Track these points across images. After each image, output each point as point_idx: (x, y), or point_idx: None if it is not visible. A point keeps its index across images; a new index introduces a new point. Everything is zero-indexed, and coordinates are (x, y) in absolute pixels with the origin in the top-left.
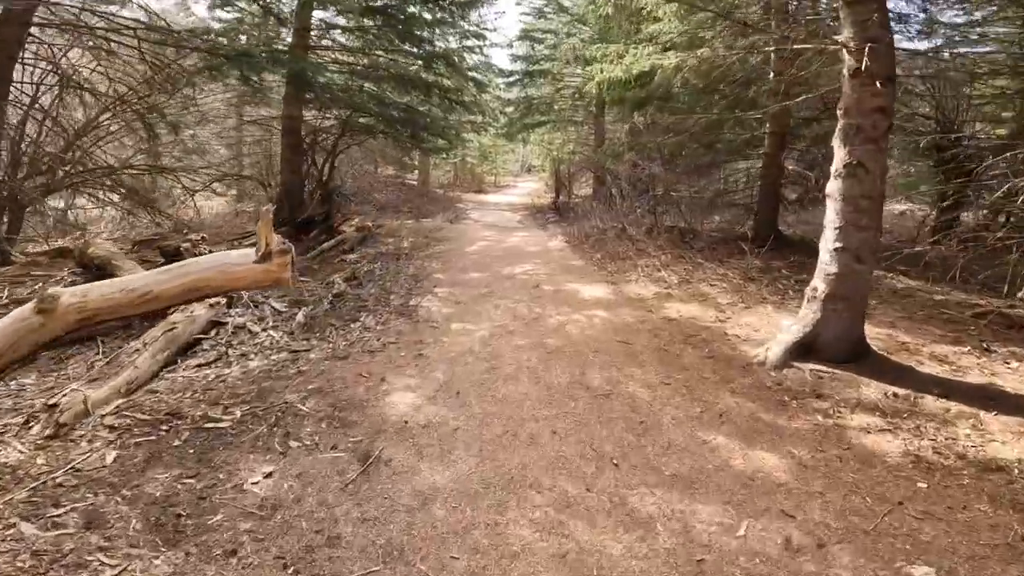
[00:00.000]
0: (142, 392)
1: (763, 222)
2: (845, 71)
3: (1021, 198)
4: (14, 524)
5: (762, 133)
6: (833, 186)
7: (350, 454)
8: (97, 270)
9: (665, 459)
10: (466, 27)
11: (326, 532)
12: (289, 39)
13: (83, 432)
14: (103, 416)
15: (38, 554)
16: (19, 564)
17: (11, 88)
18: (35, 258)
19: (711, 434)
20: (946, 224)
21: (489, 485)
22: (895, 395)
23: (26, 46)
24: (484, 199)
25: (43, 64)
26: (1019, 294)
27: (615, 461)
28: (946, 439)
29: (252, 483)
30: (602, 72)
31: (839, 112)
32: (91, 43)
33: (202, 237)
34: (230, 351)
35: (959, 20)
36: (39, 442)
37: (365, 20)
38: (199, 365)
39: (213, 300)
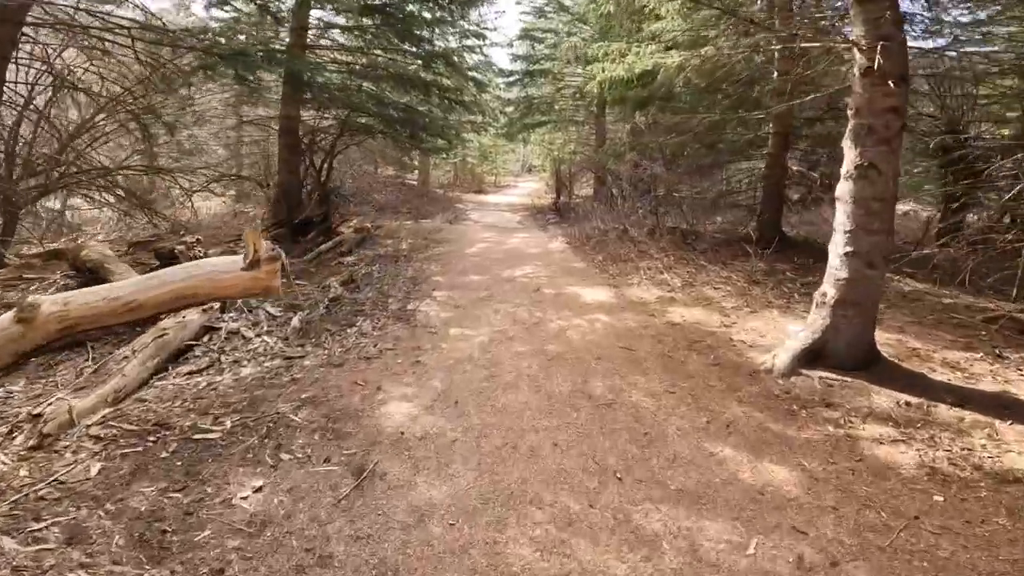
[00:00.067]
0: (130, 401)
1: (767, 223)
2: (856, 70)
3: None
4: None
5: (765, 133)
6: (843, 188)
7: (344, 467)
8: (90, 273)
9: (671, 472)
10: (466, 26)
11: (317, 551)
12: (287, 39)
13: (68, 443)
14: (88, 426)
15: (18, 570)
16: None
17: (4, 88)
18: (29, 260)
19: (718, 446)
20: (954, 226)
21: (488, 501)
22: (907, 404)
23: (20, 46)
24: (484, 199)
25: (37, 64)
26: None
27: (619, 475)
28: (962, 450)
29: (241, 498)
30: (604, 71)
31: (849, 112)
32: (86, 43)
33: (197, 239)
34: (223, 357)
35: (965, 19)
36: (22, 453)
37: (364, 19)
38: (190, 372)
39: (206, 305)
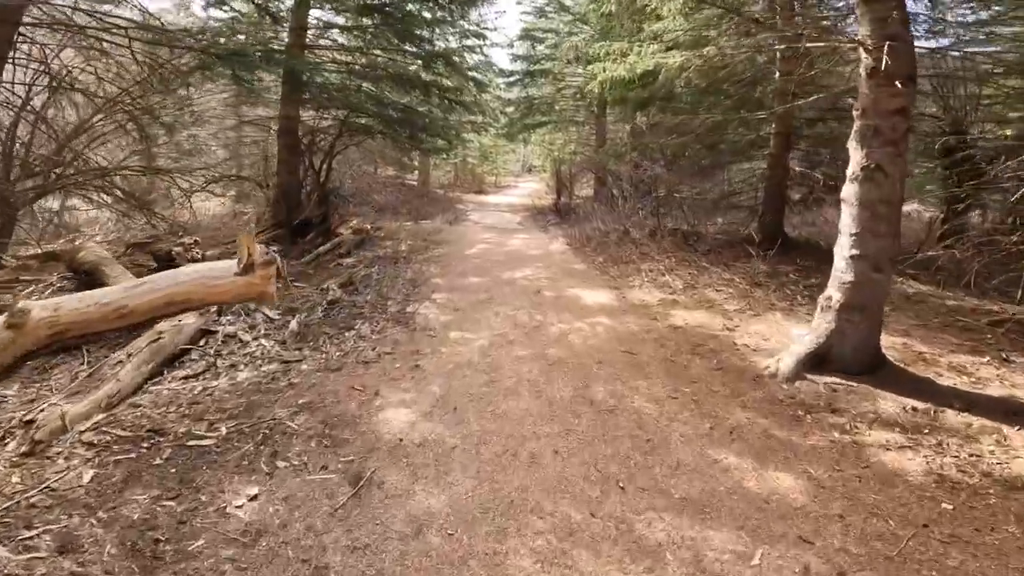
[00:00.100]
0: (124, 406)
1: (769, 224)
2: (862, 70)
3: None
4: None
5: (767, 133)
6: (849, 190)
7: (340, 475)
8: (86, 275)
9: (674, 481)
10: (466, 26)
11: (313, 562)
12: (287, 39)
13: (60, 449)
14: (81, 432)
15: None
16: None
17: (2, 89)
18: (26, 262)
19: (722, 453)
20: (958, 228)
21: (488, 510)
22: (914, 409)
23: (17, 46)
24: (484, 200)
25: (35, 65)
26: None
27: (621, 483)
28: (970, 456)
29: (236, 506)
30: (605, 71)
31: (855, 113)
32: (84, 43)
33: (195, 241)
34: (219, 362)
35: (968, 19)
36: (14, 459)
37: (363, 19)
38: (186, 377)
39: (200, 310)
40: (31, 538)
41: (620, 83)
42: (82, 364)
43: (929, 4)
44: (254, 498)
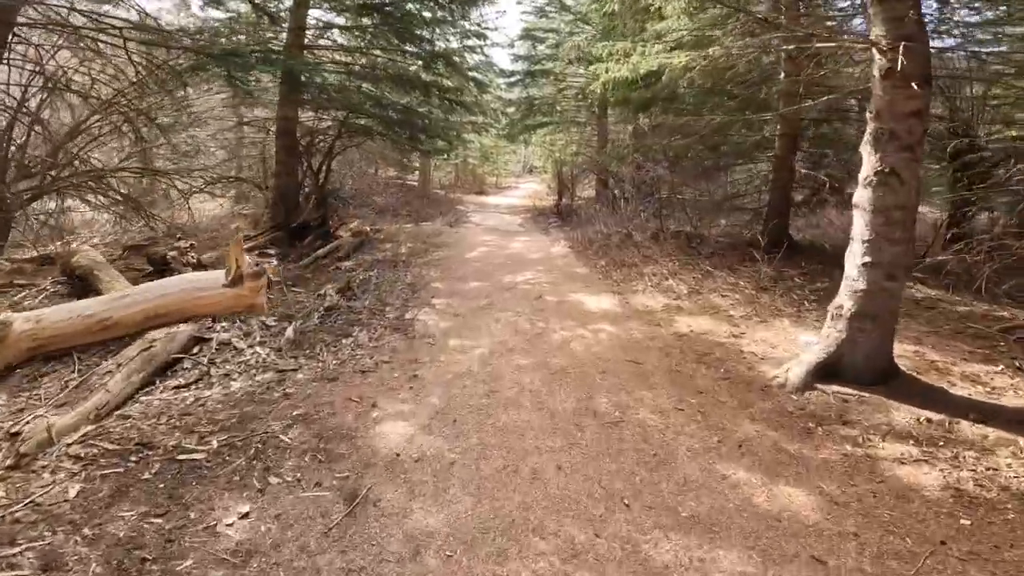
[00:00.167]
0: (114, 417)
1: (774, 227)
2: (876, 71)
3: None
4: None
5: (772, 135)
6: (862, 195)
7: (335, 492)
8: (79, 280)
9: (681, 498)
10: (466, 26)
11: None
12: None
13: (46, 462)
14: (68, 445)
15: None
16: None
17: None
18: (21, 265)
19: (731, 467)
20: (967, 231)
21: (488, 529)
22: (928, 420)
23: (12, 47)
24: (485, 201)
25: (30, 66)
26: None
27: (626, 501)
28: (987, 469)
29: (226, 524)
30: (608, 72)
31: (869, 115)
32: (81, 44)
33: (191, 244)
34: (212, 370)
35: (974, 19)
36: None
37: (363, 19)
38: (177, 387)
39: (187, 322)
40: (15, 555)
41: (623, 83)
42: (73, 373)
43: (937, 3)
44: (245, 516)
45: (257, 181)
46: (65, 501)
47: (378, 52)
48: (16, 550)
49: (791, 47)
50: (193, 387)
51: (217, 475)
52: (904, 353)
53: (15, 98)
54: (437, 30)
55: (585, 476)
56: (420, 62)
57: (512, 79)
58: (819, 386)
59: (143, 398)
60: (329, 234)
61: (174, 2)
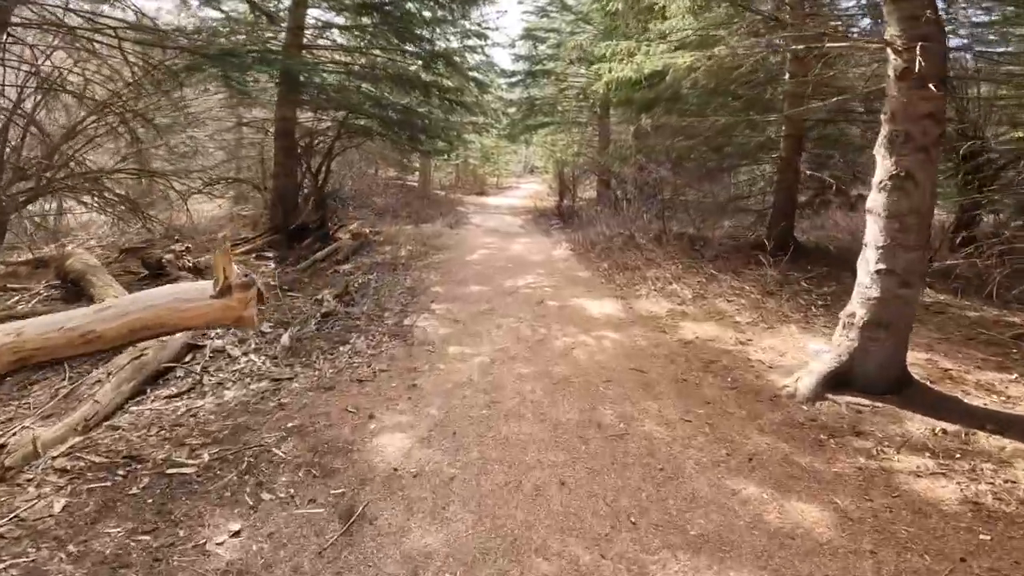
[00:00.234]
0: (102, 428)
1: (779, 229)
2: (891, 72)
3: None
4: None
5: (776, 136)
6: (876, 200)
7: (330, 509)
8: (72, 285)
9: (689, 515)
10: (467, 26)
11: None
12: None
13: (31, 476)
14: (54, 457)
15: None
16: None
17: None
18: (16, 268)
19: (740, 482)
20: (977, 234)
21: (489, 550)
22: (944, 431)
23: (7, 47)
24: (486, 201)
25: (25, 67)
26: None
27: (632, 518)
28: (1005, 482)
29: (216, 543)
30: (611, 71)
31: (883, 117)
32: (77, 45)
33: (187, 247)
34: (205, 379)
35: (981, 18)
36: None
37: (362, 19)
38: (169, 396)
39: (175, 335)
40: None
41: (626, 83)
42: (64, 380)
43: (943, 2)
44: (236, 534)
45: (256, 182)
46: (50, 516)
47: (378, 52)
48: (0, 567)
49: (800, 47)
50: (185, 396)
51: (208, 490)
52: (916, 361)
53: (10, 99)
54: (437, 30)
55: (589, 492)
56: (420, 62)
57: (513, 79)
58: (830, 396)
59: (133, 408)
60: (328, 236)
61: (175, 2)
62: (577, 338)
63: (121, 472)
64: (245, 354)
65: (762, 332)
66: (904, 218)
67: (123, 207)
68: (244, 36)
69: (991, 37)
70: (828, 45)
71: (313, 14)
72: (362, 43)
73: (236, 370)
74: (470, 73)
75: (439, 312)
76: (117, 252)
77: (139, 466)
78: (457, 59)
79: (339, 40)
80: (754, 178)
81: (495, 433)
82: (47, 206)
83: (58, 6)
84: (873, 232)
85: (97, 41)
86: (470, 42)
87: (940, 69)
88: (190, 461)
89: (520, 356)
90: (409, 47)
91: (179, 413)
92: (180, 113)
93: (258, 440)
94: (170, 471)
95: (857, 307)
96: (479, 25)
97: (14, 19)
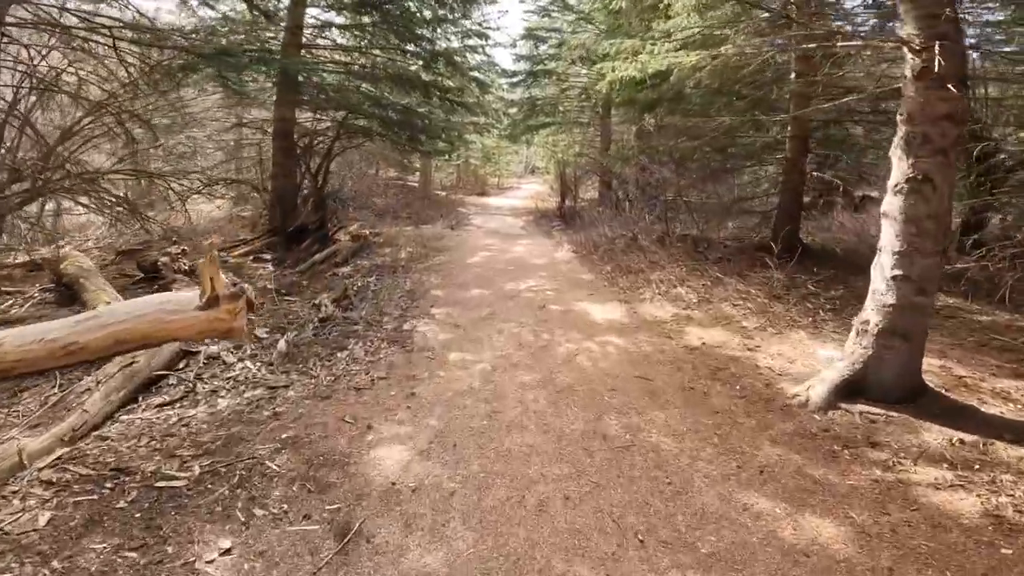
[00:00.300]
0: (91, 438)
1: (784, 231)
2: (908, 72)
3: None
4: None
5: (781, 137)
6: (892, 204)
7: (325, 526)
8: (66, 288)
9: (699, 532)
10: (468, 25)
11: None
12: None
13: (16, 488)
14: (40, 469)
15: None
16: None
17: None
18: (10, 271)
19: (752, 496)
20: (987, 237)
21: (490, 571)
22: (962, 441)
23: (2, 48)
24: (487, 202)
25: (21, 67)
26: None
27: (640, 536)
28: None
29: (206, 561)
30: (614, 71)
31: (899, 118)
32: (73, 45)
33: (183, 250)
34: (199, 386)
35: (994, 17)
36: None
37: (362, 18)
38: (161, 405)
39: (160, 346)
40: None
41: (630, 83)
42: (54, 388)
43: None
44: (227, 552)
45: (255, 183)
46: (34, 530)
47: (377, 51)
48: None
49: (811, 46)
50: (177, 405)
51: (198, 505)
52: (930, 368)
53: (5, 100)
54: (438, 29)
55: (595, 508)
56: (420, 62)
57: (514, 79)
58: (843, 405)
59: (124, 417)
60: (327, 237)
61: (175, 1)
62: (580, 344)
63: (109, 485)
64: (240, 360)
65: (770, 338)
66: (921, 222)
67: (120, 208)
68: (243, 36)
69: (998, 37)
70: (840, 45)
71: (312, 13)
72: (362, 42)
73: (230, 377)
74: (471, 73)
75: (439, 317)
76: (113, 254)
77: (127, 479)
78: (458, 59)
79: (338, 39)
80: (758, 179)
81: (497, 445)
82: (43, 208)
83: (54, 6)
84: (889, 237)
85: (93, 41)
86: (471, 42)
87: (959, 69)
88: (180, 474)
89: (522, 363)
90: (409, 47)
91: (170, 423)
92: (178, 113)
93: (251, 452)
94: (159, 484)
95: (872, 314)
96: (480, 25)
97: (9, 19)
